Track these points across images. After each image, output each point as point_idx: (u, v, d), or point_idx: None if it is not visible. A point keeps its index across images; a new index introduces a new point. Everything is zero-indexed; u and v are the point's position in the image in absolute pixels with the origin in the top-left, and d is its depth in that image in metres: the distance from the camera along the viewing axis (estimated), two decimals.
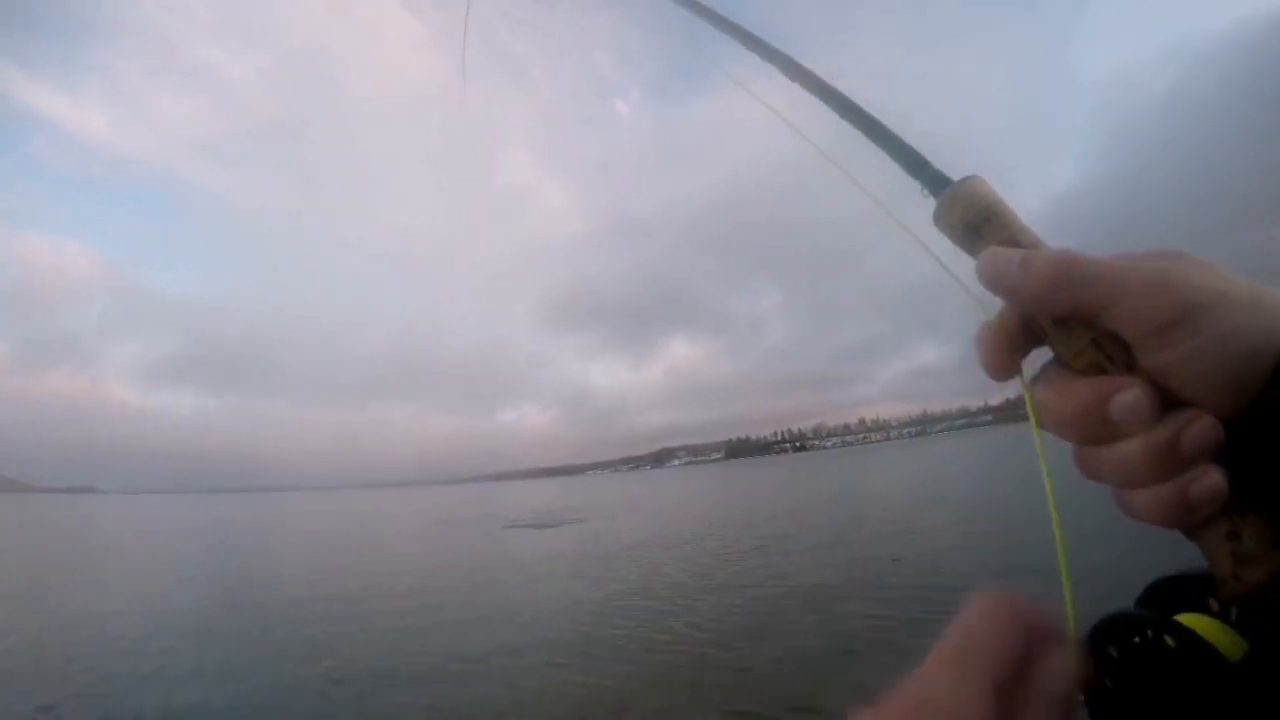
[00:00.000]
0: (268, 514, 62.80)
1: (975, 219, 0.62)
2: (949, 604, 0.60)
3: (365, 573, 17.37)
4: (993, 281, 0.61)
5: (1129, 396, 0.58)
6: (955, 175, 0.65)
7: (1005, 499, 20.30)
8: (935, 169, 0.66)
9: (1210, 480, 0.57)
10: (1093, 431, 0.60)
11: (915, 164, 0.68)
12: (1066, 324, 0.60)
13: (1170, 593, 0.65)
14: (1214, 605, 0.62)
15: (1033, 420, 0.62)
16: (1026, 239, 0.61)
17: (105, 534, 42.57)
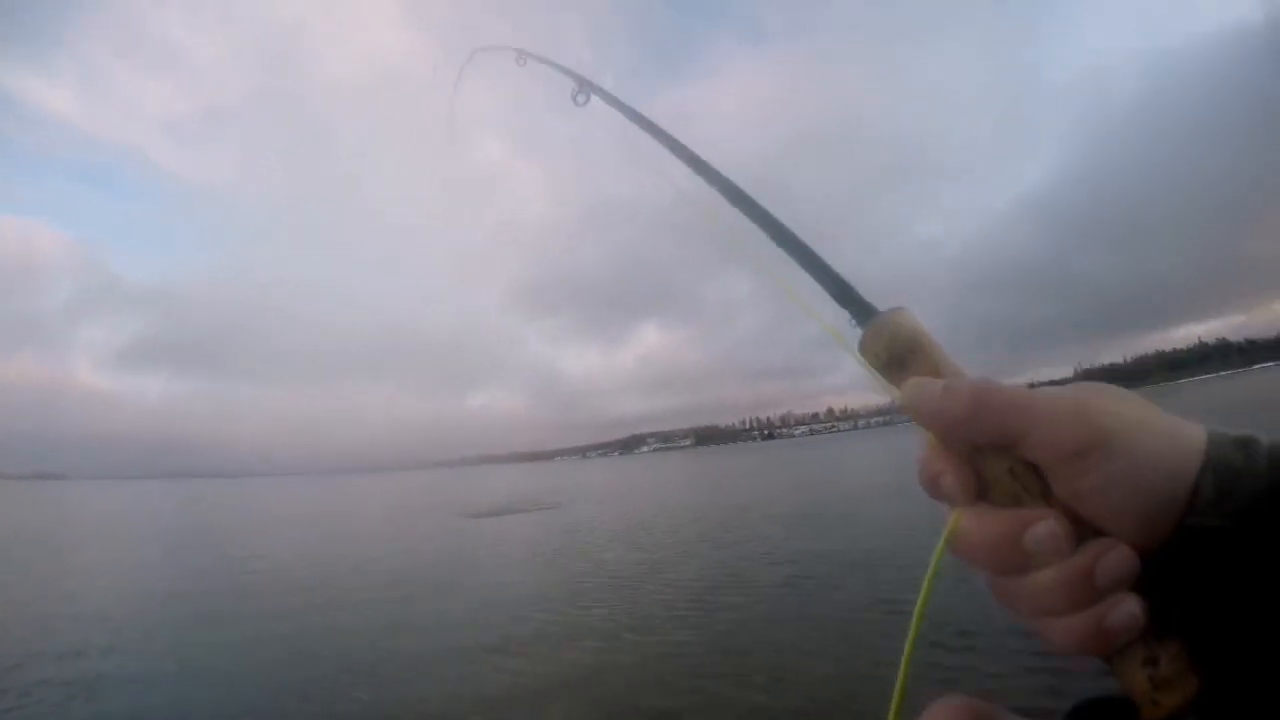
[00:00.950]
0: (235, 500, 62.58)
1: (900, 350, 0.64)
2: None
3: (329, 562, 17.19)
4: (915, 409, 0.62)
5: (1043, 528, 0.59)
6: (880, 302, 0.67)
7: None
8: (862, 299, 0.68)
9: (1125, 609, 0.58)
10: (1008, 562, 0.60)
11: (842, 293, 0.69)
12: (985, 453, 0.61)
13: (1094, 716, 0.64)
14: None
15: (941, 543, 0.61)
16: (948, 370, 0.63)
17: (66, 521, 41.64)
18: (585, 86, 1.30)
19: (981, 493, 0.61)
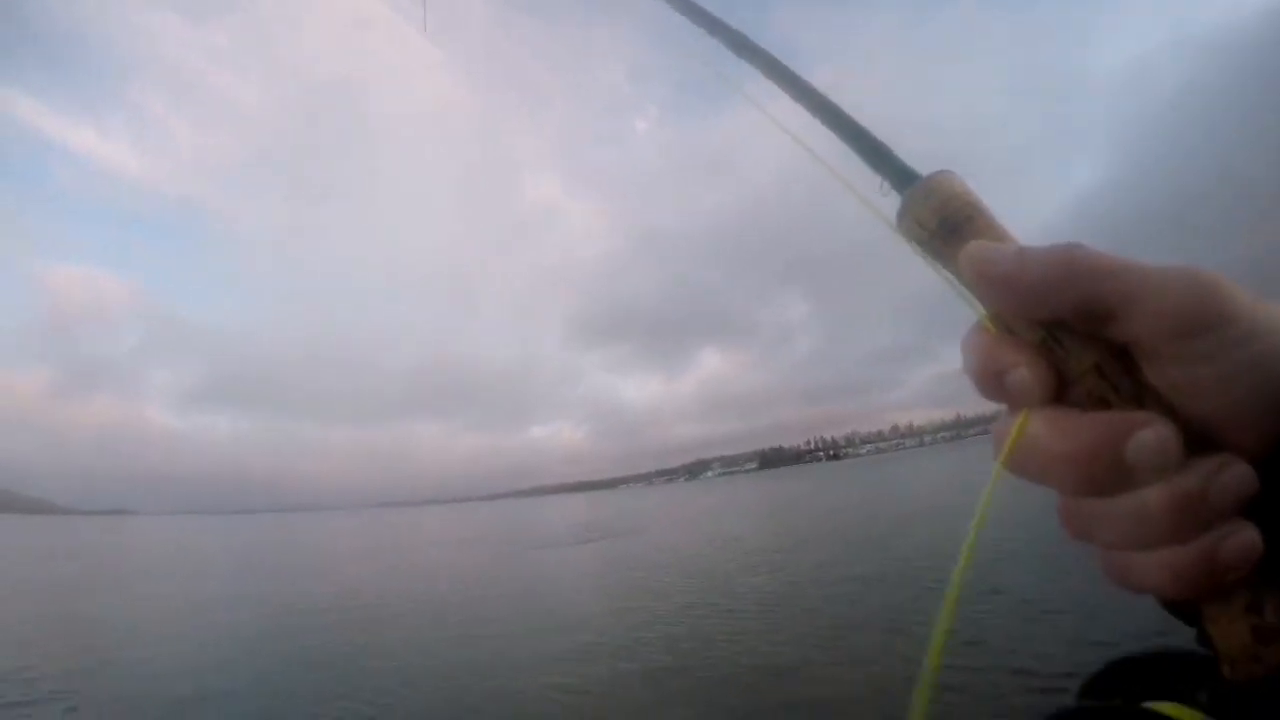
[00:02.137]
0: (303, 534, 63.33)
1: (953, 216, 0.51)
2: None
3: (401, 595, 17.28)
4: (982, 274, 0.49)
5: (1150, 435, 0.46)
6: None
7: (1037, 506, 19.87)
8: (900, 162, 0.56)
9: (1243, 538, 0.46)
10: (1099, 479, 0.48)
11: (875, 154, 0.58)
12: (1064, 338, 0.48)
13: (1133, 675, 0.54)
14: (1202, 696, 0.51)
15: (1005, 452, 0.49)
16: (1014, 242, 0.50)
17: (136, 555, 42.98)
18: None
19: (1059, 391, 0.48)
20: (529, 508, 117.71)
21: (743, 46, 0.79)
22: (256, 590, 20.10)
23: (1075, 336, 0.48)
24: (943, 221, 0.51)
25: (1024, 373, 0.48)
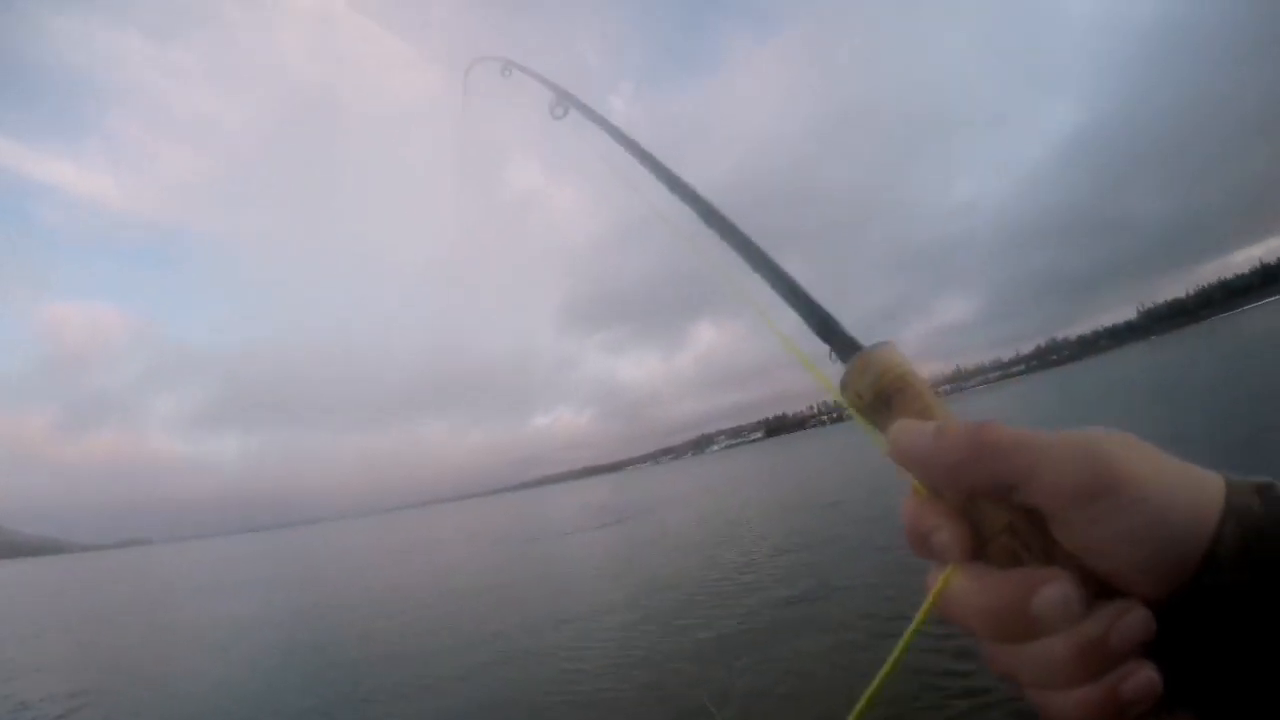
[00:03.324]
0: (322, 546, 63.40)
1: (886, 389, 0.56)
2: None
3: (431, 596, 17.19)
4: (905, 454, 0.55)
5: (1054, 591, 0.54)
6: (864, 339, 0.60)
7: None
8: (845, 332, 0.62)
9: (1142, 677, 0.54)
10: (1010, 628, 0.54)
11: (823, 325, 0.64)
12: (981, 504, 0.54)
13: None
14: None
15: (928, 604, 0.55)
16: (939, 412, 0.55)
17: (163, 582, 42.72)
18: (564, 99, 1.27)
19: (978, 550, 0.54)
20: (537, 498, 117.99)
21: (713, 218, 0.82)
22: (291, 603, 20.21)
23: (990, 501, 0.54)
24: (877, 395, 0.56)
25: (944, 535, 0.54)
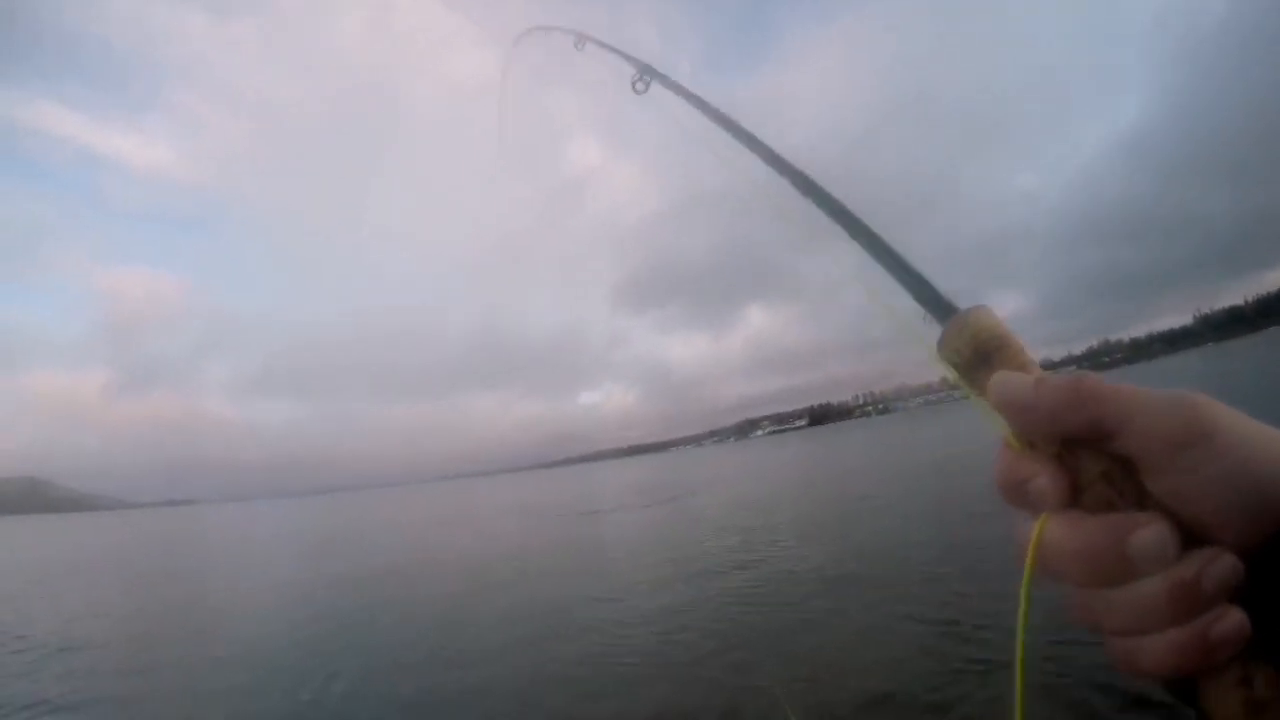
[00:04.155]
0: (368, 511, 63.69)
1: (984, 347, 0.60)
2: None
3: (484, 565, 17.34)
4: (1006, 402, 0.58)
5: (1149, 533, 0.56)
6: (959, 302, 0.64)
7: None
8: (941, 296, 0.65)
9: (1232, 621, 0.56)
10: (1106, 572, 0.56)
11: (921, 289, 0.67)
12: (1077, 453, 0.57)
13: None
14: None
15: (1031, 552, 0.57)
16: (1035, 370, 0.59)
17: (209, 540, 43.76)
18: (646, 72, 1.27)
19: (1072, 498, 0.57)
20: (585, 474, 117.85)
21: (809, 187, 0.84)
22: (332, 570, 20.33)
23: (1085, 450, 0.56)
24: (976, 351, 0.60)
25: (1042, 482, 0.56)
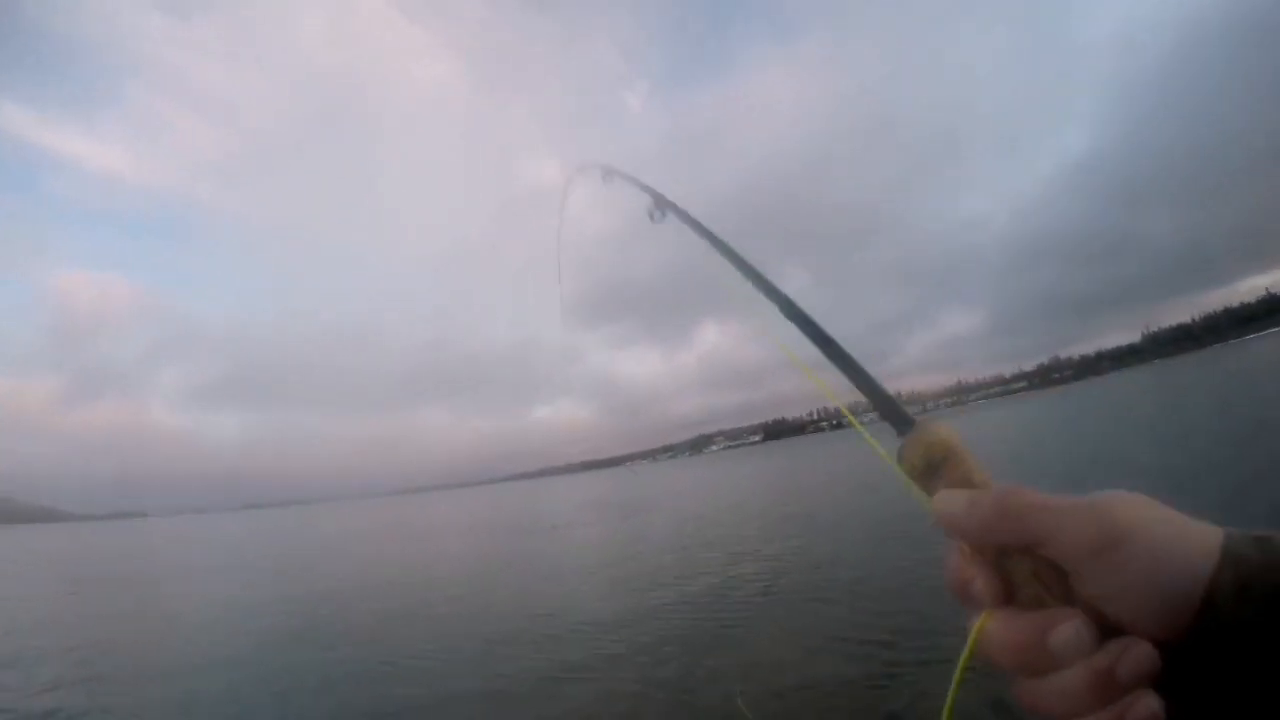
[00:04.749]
0: (319, 526, 62.35)
1: (934, 459, 0.67)
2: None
3: (428, 583, 17.10)
4: (944, 521, 0.66)
5: (1068, 628, 0.64)
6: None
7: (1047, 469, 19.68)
8: (903, 411, 0.70)
9: (1146, 705, 0.64)
10: (1034, 663, 0.64)
11: (886, 407, 0.72)
12: (1011, 557, 0.65)
13: None
14: None
15: (969, 645, 0.65)
16: (978, 477, 0.67)
17: (157, 555, 42.23)
18: (662, 204, 1.35)
19: (1008, 596, 0.65)
20: (537, 489, 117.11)
21: (771, 292, 0.93)
22: (284, 584, 20.31)
23: (1019, 553, 0.65)
24: (928, 463, 0.67)
25: (979, 584, 0.65)
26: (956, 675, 0.65)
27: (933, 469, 0.67)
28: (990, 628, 0.65)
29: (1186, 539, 0.64)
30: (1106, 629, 0.64)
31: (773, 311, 0.91)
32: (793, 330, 0.86)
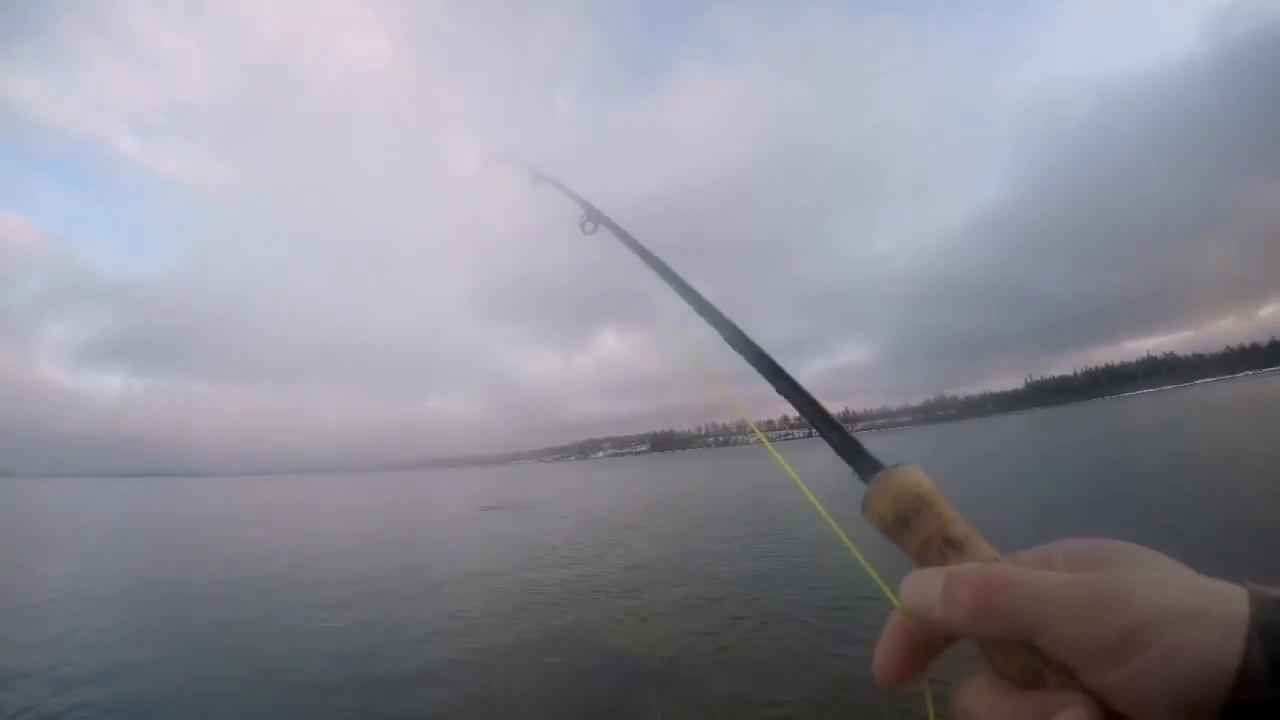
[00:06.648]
0: (193, 502, 60.38)
1: (905, 509, 0.59)
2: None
3: (300, 567, 16.94)
4: (917, 611, 0.55)
5: (1070, 716, 0.53)
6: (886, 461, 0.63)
7: None
8: (868, 453, 0.64)
9: None
10: None
11: (847, 446, 0.66)
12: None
13: None
14: None
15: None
16: (957, 531, 0.58)
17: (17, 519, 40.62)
18: (594, 216, 1.31)
19: (1000, 667, 0.54)
20: (422, 480, 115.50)
21: (716, 319, 0.89)
22: (148, 559, 19.87)
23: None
24: (897, 515, 0.59)
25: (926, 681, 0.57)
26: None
27: (903, 522, 0.59)
28: (976, 702, 0.54)
29: (1210, 618, 0.53)
30: (1108, 712, 0.54)
31: (714, 337, 0.89)
32: (731, 354, 0.84)
